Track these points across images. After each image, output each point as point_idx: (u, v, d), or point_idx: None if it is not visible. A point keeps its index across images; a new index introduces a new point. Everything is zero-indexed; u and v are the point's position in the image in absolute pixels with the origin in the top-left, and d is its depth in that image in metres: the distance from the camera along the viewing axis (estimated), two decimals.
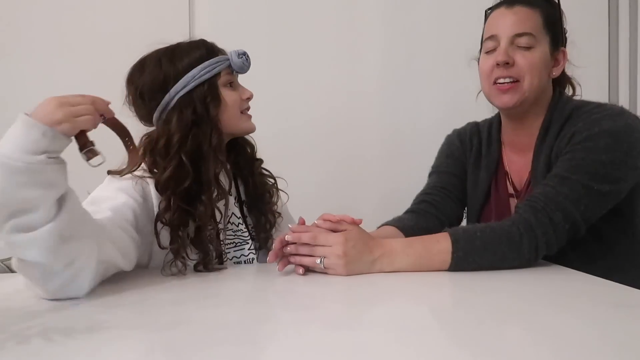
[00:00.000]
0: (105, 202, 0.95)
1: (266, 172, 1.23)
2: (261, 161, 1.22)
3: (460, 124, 1.35)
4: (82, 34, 1.91)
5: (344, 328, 0.67)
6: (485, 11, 1.19)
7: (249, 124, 1.14)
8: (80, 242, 0.78)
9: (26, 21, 1.89)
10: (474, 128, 1.30)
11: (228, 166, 1.15)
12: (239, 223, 1.14)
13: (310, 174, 1.91)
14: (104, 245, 0.84)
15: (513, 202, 1.19)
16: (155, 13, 1.95)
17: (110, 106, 0.88)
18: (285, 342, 0.62)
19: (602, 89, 2.10)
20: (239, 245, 1.13)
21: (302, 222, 1.03)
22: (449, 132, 1.36)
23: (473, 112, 1.33)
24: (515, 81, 1.09)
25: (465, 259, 0.95)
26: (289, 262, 1.00)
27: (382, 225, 1.23)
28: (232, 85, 1.11)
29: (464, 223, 1.30)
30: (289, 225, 1.02)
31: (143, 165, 1.05)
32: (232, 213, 1.13)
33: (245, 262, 1.13)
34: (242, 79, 1.16)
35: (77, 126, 0.77)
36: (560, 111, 1.12)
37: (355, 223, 1.00)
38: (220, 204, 1.07)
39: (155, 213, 1.00)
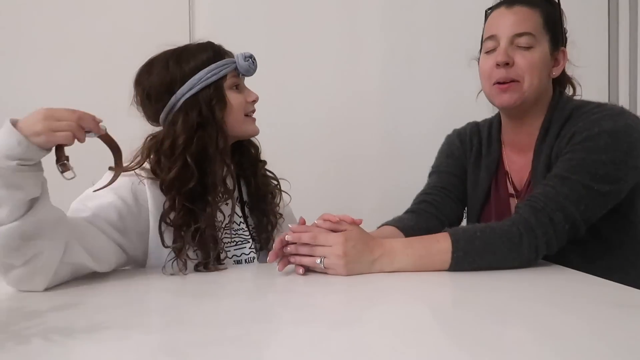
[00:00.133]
0: (92, 201, 0.99)
1: (270, 174, 1.23)
2: (265, 163, 1.22)
3: (460, 124, 1.35)
4: (82, 34, 1.91)
5: (344, 328, 0.67)
6: (485, 11, 1.19)
7: (253, 127, 1.14)
8: (43, 243, 0.84)
9: (26, 21, 1.89)
10: (474, 128, 1.30)
11: (232, 167, 1.15)
12: (240, 222, 1.15)
13: (310, 174, 1.91)
14: (72, 248, 0.89)
15: (513, 202, 1.19)
16: (155, 13, 1.95)
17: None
18: (285, 342, 0.62)
19: (602, 89, 2.10)
20: (240, 244, 1.14)
21: (302, 222, 1.03)
22: (449, 132, 1.36)
23: (473, 112, 1.33)
24: (515, 81, 1.09)
25: (465, 259, 0.95)
26: (289, 262, 1.00)
27: (382, 225, 1.23)
28: (238, 87, 1.12)
29: (464, 223, 1.30)
30: (289, 225, 1.02)
31: (146, 164, 1.06)
32: (235, 212, 1.13)
33: (246, 260, 1.13)
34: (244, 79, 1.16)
35: (53, 140, 0.81)
36: (560, 111, 1.12)
37: (355, 223, 1.00)
38: (228, 208, 1.09)
39: (150, 214, 1.02)
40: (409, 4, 2.05)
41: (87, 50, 1.90)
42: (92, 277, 1.01)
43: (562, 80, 1.18)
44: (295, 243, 0.98)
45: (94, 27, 1.91)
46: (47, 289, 0.89)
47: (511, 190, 1.20)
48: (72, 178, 0.84)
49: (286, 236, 0.98)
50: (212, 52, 1.08)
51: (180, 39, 1.12)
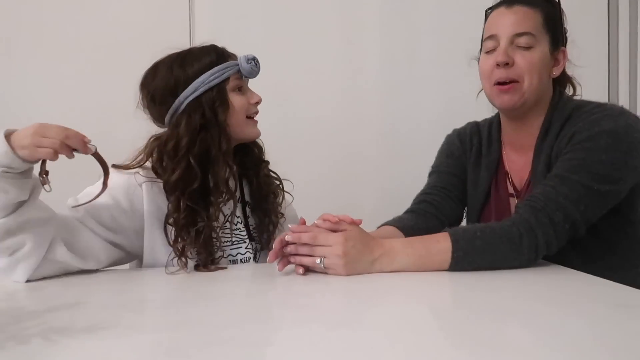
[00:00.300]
0: (87, 200, 1.02)
1: (273, 174, 1.24)
2: (267, 163, 1.23)
3: (460, 123, 1.35)
4: (82, 34, 1.91)
5: (344, 328, 0.67)
6: (485, 11, 1.18)
7: (254, 129, 1.16)
8: (26, 239, 0.92)
9: (26, 21, 1.89)
10: (474, 128, 1.30)
11: (235, 168, 1.17)
12: (237, 222, 1.16)
13: (310, 174, 1.91)
14: (56, 246, 0.96)
15: (513, 202, 1.19)
16: (155, 13, 1.95)
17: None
18: (285, 342, 0.62)
19: (602, 89, 2.10)
20: (236, 244, 1.15)
21: (302, 222, 1.03)
22: (449, 131, 1.36)
23: (473, 112, 1.33)
24: (515, 81, 1.09)
25: (465, 259, 0.95)
26: (289, 262, 1.00)
27: (382, 225, 1.23)
28: (241, 89, 1.13)
29: (464, 223, 1.30)
30: (289, 225, 1.02)
31: (148, 163, 1.08)
32: (234, 213, 1.14)
33: (241, 260, 1.14)
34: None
35: (35, 155, 0.87)
36: (560, 111, 1.12)
37: (355, 223, 1.00)
38: (227, 207, 1.10)
39: (145, 214, 1.05)
40: (409, 4, 2.05)
41: (87, 51, 1.90)
42: (92, 277, 1.01)
43: (562, 80, 1.18)
44: (295, 243, 0.98)
45: (93, 27, 1.91)
46: (47, 289, 0.90)
47: (511, 190, 1.20)
48: (48, 191, 0.92)
49: (286, 236, 0.98)
50: (215, 56, 1.10)
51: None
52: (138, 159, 1.09)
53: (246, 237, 1.16)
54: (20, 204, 0.91)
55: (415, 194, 1.31)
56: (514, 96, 1.10)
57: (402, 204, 1.30)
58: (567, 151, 1.05)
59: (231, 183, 1.11)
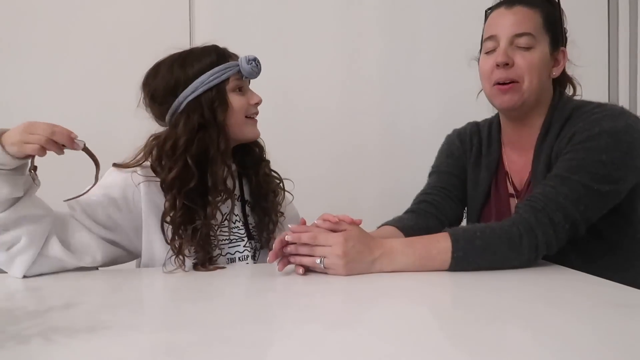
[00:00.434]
0: (85, 199, 1.04)
1: (274, 174, 1.24)
2: (268, 162, 1.24)
3: (460, 123, 1.35)
4: (82, 34, 1.91)
5: (344, 328, 0.67)
6: (485, 11, 1.18)
7: (253, 129, 1.16)
8: (21, 234, 0.95)
9: (26, 21, 1.89)
10: (474, 128, 1.30)
11: (234, 167, 1.17)
12: (236, 220, 1.16)
13: (310, 173, 1.91)
14: (52, 243, 0.99)
15: (513, 202, 1.19)
16: (155, 13, 1.95)
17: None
18: (285, 342, 0.62)
19: (602, 89, 2.10)
20: (234, 242, 1.15)
21: (303, 223, 1.03)
22: (449, 131, 1.36)
23: (473, 112, 1.33)
24: (515, 82, 1.09)
25: (465, 259, 0.95)
26: (289, 262, 1.00)
27: (382, 225, 1.22)
28: (242, 90, 1.13)
29: (464, 223, 1.30)
30: (289, 225, 1.02)
31: (147, 162, 1.09)
32: (232, 212, 1.14)
33: (239, 259, 1.15)
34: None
35: (23, 151, 0.89)
36: (560, 111, 1.12)
37: (355, 223, 1.00)
38: (225, 205, 1.11)
39: (143, 213, 1.06)
40: (409, 4, 2.05)
41: (87, 50, 1.90)
42: (92, 276, 1.01)
43: (563, 80, 1.18)
44: (295, 243, 0.98)
45: (93, 27, 1.91)
46: (47, 289, 0.90)
47: (511, 190, 1.20)
48: (38, 186, 0.97)
49: (286, 236, 0.98)
50: (215, 56, 1.10)
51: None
52: (137, 157, 1.09)
53: (245, 235, 1.17)
54: (16, 201, 0.94)
55: (415, 193, 1.31)
56: (514, 96, 1.10)
57: (402, 203, 1.31)
58: (567, 151, 1.05)
59: (229, 182, 1.11)
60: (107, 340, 0.62)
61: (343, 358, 0.56)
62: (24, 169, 0.94)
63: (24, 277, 0.98)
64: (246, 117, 1.13)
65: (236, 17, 1.99)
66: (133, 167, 1.08)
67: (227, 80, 1.10)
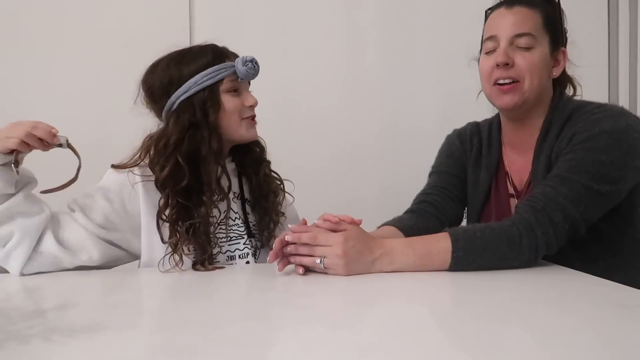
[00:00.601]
0: (81, 199, 1.07)
1: (274, 174, 1.24)
2: (269, 162, 1.23)
3: (460, 123, 1.35)
4: (82, 34, 1.91)
5: (344, 328, 0.67)
6: (485, 11, 1.18)
7: (249, 131, 1.15)
8: (14, 230, 0.97)
9: (26, 21, 1.89)
10: (474, 128, 1.30)
11: (234, 166, 1.18)
12: (235, 218, 1.16)
13: (310, 173, 1.91)
14: (47, 239, 1.00)
15: (513, 202, 1.19)
16: (155, 13, 1.95)
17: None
18: (285, 342, 0.62)
19: (602, 89, 2.10)
20: (234, 240, 1.15)
21: (303, 223, 1.03)
22: (449, 131, 1.36)
23: (473, 112, 1.33)
24: (515, 82, 1.09)
25: (465, 259, 0.95)
26: (289, 262, 1.00)
27: (382, 225, 1.22)
28: (237, 91, 1.13)
29: (464, 223, 1.30)
30: (289, 225, 1.02)
31: (145, 161, 1.10)
32: (230, 208, 1.14)
33: (240, 256, 1.15)
34: None
35: (5, 145, 0.92)
36: (560, 111, 1.12)
37: (355, 223, 1.00)
38: (224, 203, 1.11)
39: (142, 212, 1.07)
40: (409, 5, 2.05)
41: (87, 50, 1.90)
42: (92, 276, 1.01)
43: (563, 81, 1.18)
44: (295, 243, 0.98)
45: (93, 27, 1.91)
46: (46, 289, 0.91)
47: (511, 190, 1.20)
48: (17, 179, 0.99)
49: (286, 236, 0.98)
50: (212, 56, 1.10)
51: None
52: (135, 157, 1.10)
53: (245, 233, 1.17)
54: (9, 197, 0.97)
55: (416, 193, 1.31)
56: (514, 96, 1.10)
57: (402, 203, 1.30)
58: (567, 151, 1.05)
59: (224, 182, 1.11)
60: (107, 340, 0.62)
61: (343, 358, 0.56)
62: (11, 164, 0.96)
63: (22, 275, 0.99)
64: (243, 118, 1.13)
65: (236, 17, 1.99)
66: (130, 167, 1.09)
67: (221, 81, 1.10)
